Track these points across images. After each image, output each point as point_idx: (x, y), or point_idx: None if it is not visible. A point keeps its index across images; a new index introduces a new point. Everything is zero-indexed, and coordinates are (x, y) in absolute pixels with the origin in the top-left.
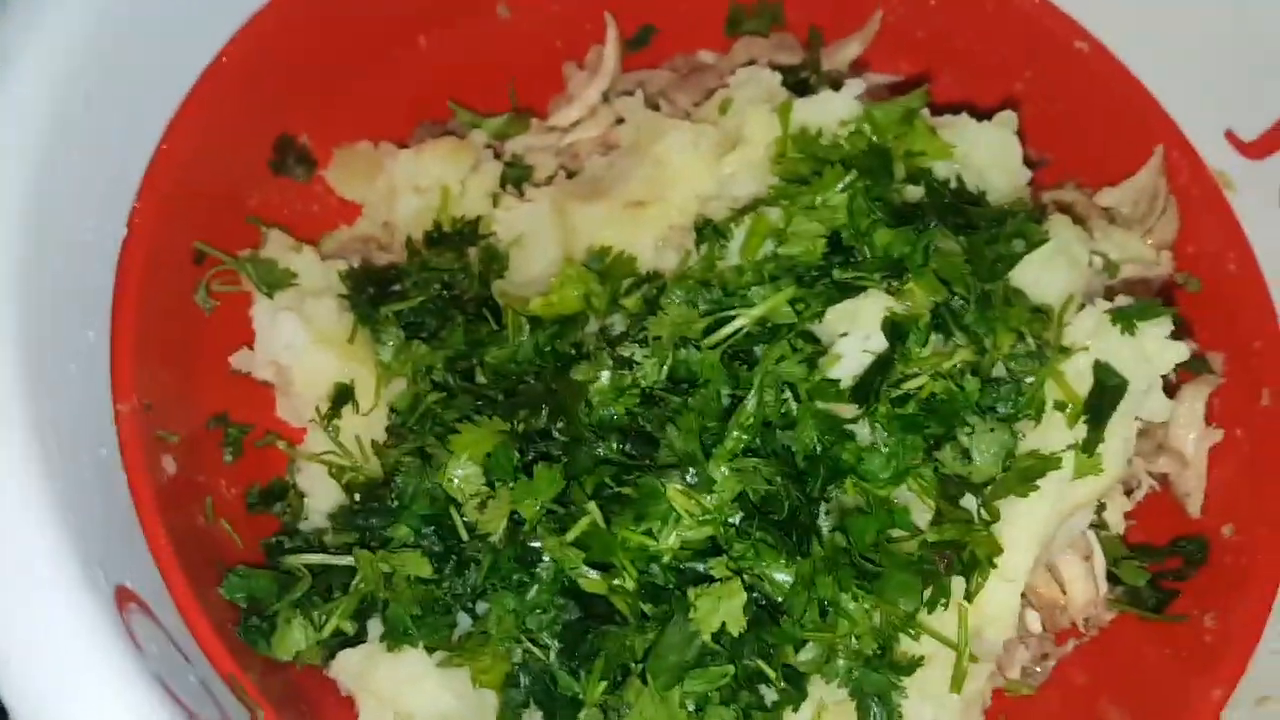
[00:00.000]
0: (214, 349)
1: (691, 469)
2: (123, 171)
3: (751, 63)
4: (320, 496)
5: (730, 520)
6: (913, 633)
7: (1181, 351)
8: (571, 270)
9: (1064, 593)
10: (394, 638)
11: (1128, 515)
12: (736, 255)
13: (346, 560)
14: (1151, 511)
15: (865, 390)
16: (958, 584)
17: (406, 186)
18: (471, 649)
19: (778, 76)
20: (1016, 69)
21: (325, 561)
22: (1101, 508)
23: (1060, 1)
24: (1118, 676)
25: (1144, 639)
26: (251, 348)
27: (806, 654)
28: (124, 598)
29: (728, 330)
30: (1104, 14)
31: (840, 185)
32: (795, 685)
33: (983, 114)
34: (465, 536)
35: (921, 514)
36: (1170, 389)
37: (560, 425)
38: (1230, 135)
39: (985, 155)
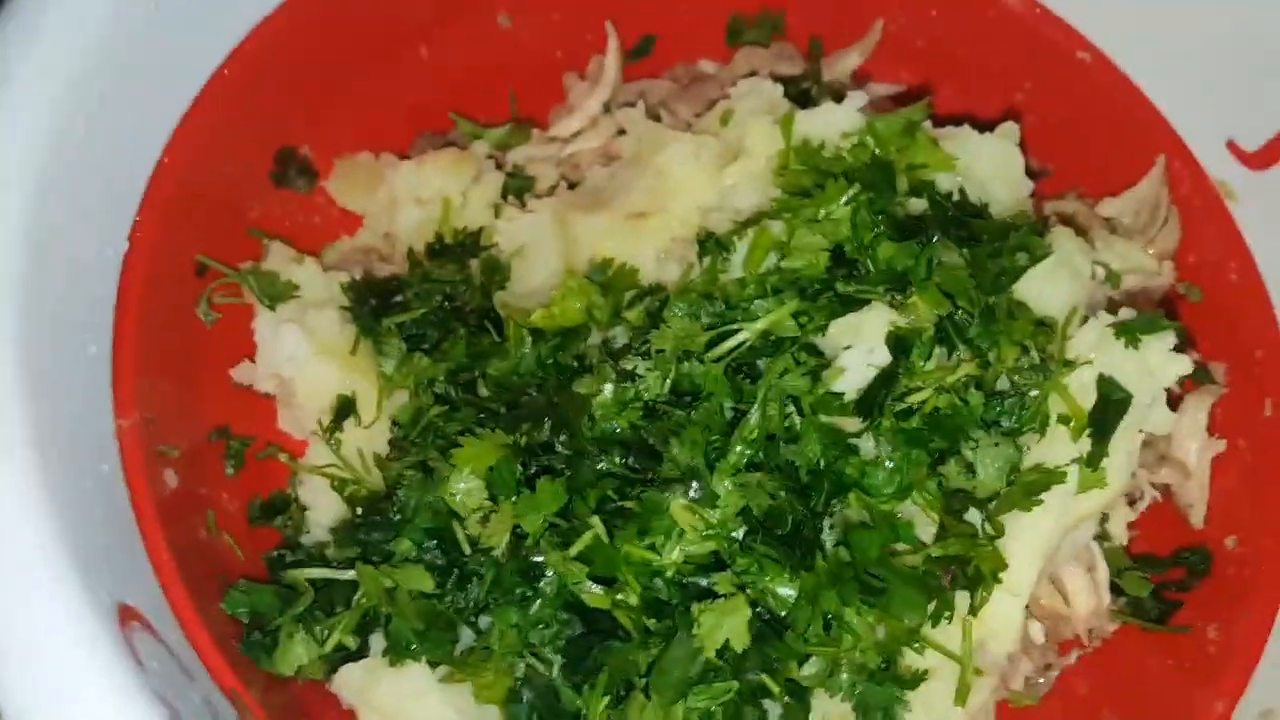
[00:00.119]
0: (216, 362)
1: (695, 483)
2: (124, 185)
3: (753, 73)
4: (322, 510)
5: (734, 535)
6: (917, 647)
7: (1185, 365)
8: (573, 282)
9: (1067, 604)
10: (396, 652)
11: (1131, 526)
12: (739, 268)
13: (349, 574)
14: (1154, 522)
15: (869, 404)
16: (962, 598)
17: (408, 197)
18: (474, 664)
19: (779, 88)
20: (1017, 79)
21: (327, 575)
22: (1104, 519)
23: (1062, 11)
24: (1120, 688)
25: (1147, 650)
26: (253, 360)
27: (810, 668)
28: (126, 615)
29: (731, 343)
30: (1105, 24)
31: (843, 198)
32: (799, 700)
33: (984, 125)
34: (468, 551)
35: (926, 528)
36: (1173, 399)
37: (563, 439)
38: (1232, 145)
39: (987, 167)
